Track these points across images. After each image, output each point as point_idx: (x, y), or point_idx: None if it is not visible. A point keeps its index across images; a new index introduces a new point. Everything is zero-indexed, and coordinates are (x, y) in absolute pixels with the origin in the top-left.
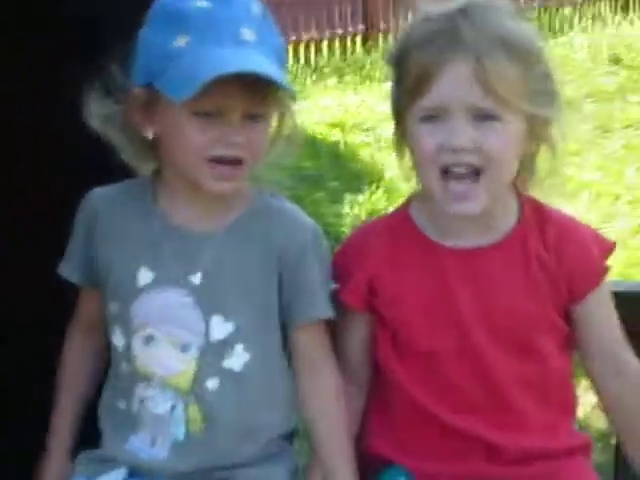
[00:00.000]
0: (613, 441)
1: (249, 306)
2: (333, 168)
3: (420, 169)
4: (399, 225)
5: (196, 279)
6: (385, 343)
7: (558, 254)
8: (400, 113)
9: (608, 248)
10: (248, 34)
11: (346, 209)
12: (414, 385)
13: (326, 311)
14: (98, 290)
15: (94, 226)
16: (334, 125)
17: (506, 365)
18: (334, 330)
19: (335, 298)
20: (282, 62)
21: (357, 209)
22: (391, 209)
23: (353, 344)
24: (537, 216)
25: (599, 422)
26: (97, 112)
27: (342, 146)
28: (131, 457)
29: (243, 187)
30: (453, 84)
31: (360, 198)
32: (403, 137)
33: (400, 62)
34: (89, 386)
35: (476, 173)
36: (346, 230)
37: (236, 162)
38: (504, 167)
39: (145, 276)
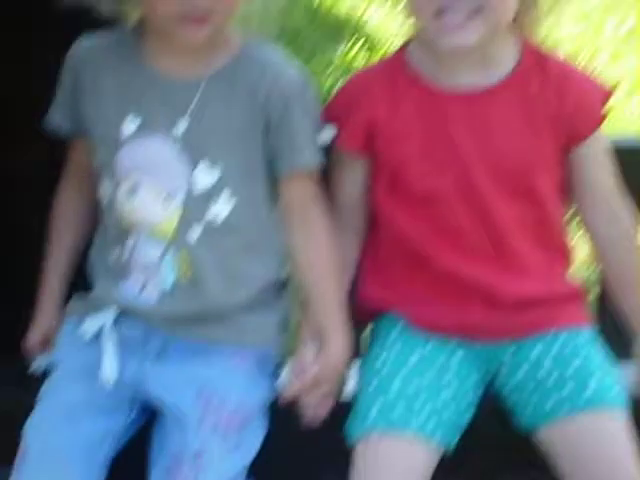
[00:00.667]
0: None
1: (234, 154)
2: (312, 22)
3: (415, 10)
4: (396, 68)
5: (181, 127)
6: (381, 186)
7: (559, 96)
8: None
9: (607, 93)
10: None
11: (326, 62)
12: (411, 229)
13: (313, 160)
14: (87, 141)
15: (81, 76)
16: None
17: (505, 206)
18: (329, 180)
19: (330, 145)
20: None
21: (338, 61)
22: (372, 62)
23: (349, 190)
24: (538, 59)
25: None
26: None
27: None
28: (121, 300)
29: (227, 35)
30: None
31: (340, 51)
32: None
33: None
34: (79, 238)
35: (473, 12)
36: (327, 83)
37: (203, 18)
38: (502, 4)
39: (131, 125)
